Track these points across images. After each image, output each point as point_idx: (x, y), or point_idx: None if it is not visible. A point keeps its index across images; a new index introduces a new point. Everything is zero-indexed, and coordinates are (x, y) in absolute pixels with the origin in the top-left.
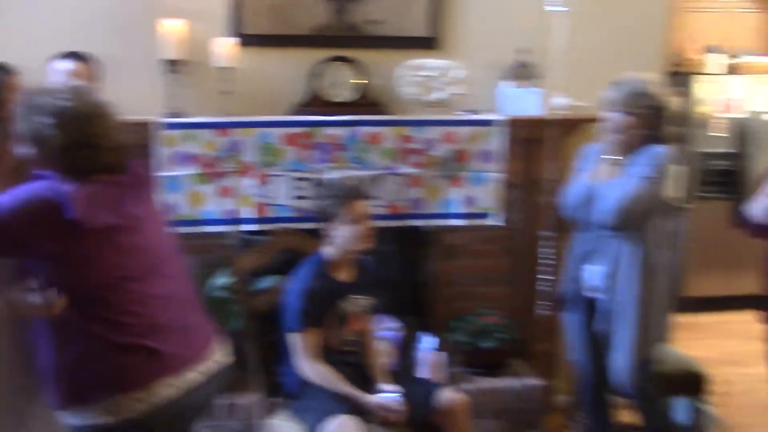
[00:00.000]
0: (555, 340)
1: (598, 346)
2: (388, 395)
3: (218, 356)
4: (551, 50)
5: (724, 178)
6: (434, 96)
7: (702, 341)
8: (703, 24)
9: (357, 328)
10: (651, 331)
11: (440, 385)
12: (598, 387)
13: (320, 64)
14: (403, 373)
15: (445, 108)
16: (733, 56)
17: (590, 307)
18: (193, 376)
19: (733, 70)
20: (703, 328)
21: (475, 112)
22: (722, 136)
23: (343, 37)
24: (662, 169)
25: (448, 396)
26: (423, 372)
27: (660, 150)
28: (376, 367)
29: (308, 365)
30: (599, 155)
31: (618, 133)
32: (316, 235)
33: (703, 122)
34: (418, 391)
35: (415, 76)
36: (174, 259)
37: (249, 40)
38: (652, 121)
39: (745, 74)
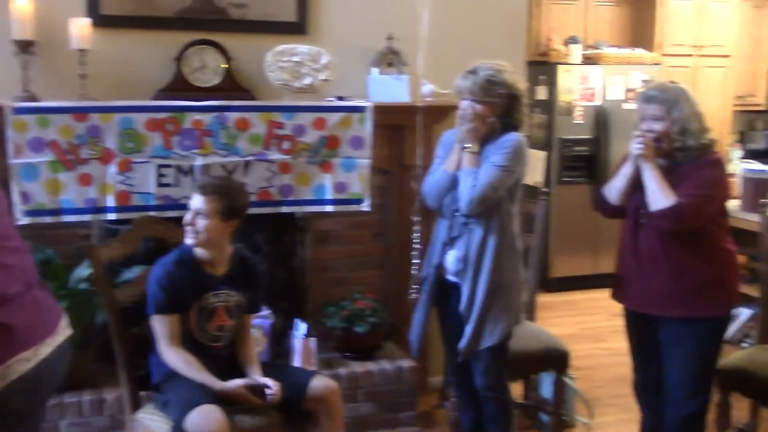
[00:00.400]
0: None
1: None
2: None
3: (66, 329)
4: (419, 38)
5: (586, 163)
6: (303, 82)
7: (567, 318)
8: (566, 16)
9: (224, 323)
10: (504, 313)
11: (312, 372)
12: (465, 374)
13: (185, 48)
14: (275, 362)
15: (315, 94)
16: (592, 47)
17: (453, 291)
18: (47, 350)
19: (591, 60)
20: (568, 306)
21: (344, 98)
22: (583, 123)
23: (209, 21)
24: (517, 156)
25: (319, 383)
26: (296, 359)
27: (514, 137)
28: (247, 358)
29: (166, 350)
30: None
31: (471, 122)
32: (182, 224)
33: (566, 110)
34: (289, 379)
35: (284, 61)
36: (15, 234)
37: (108, 21)
38: (506, 108)
39: (602, 64)
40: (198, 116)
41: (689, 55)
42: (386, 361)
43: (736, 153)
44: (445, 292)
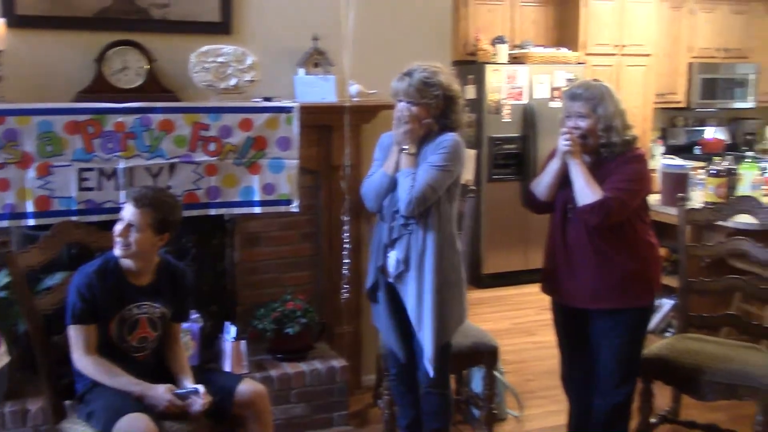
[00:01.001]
0: (358, 321)
1: (406, 331)
2: (185, 389)
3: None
4: (345, 38)
5: (515, 161)
6: (229, 83)
7: (498, 314)
8: (492, 16)
9: (147, 335)
10: (452, 312)
11: (240, 376)
12: (409, 372)
13: (106, 49)
14: (203, 366)
15: (241, 95)
16: (518, 47)
17: (396, 293)
18: None
19: (518, 59)
20: (500, 302)
21: (270, 99)
22: (511, 122)
23: (130, 21)
24: (455, 155)
25: (247, 387)
26: (226, 363)
27: (451, 137)
28: (177, 366)
29: (81, 359)
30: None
31: (407, 123)
32: (105, 228)
33: (494, 108)
34: (217, 384)
35: (208, 62)
36: None
37: (24, 22)
38: (442, 109)
39: (529, 63)
40: (120, 118)
41: (612, 54)
42: (318, 362)
43: (659, 149)
44: (390, 294)
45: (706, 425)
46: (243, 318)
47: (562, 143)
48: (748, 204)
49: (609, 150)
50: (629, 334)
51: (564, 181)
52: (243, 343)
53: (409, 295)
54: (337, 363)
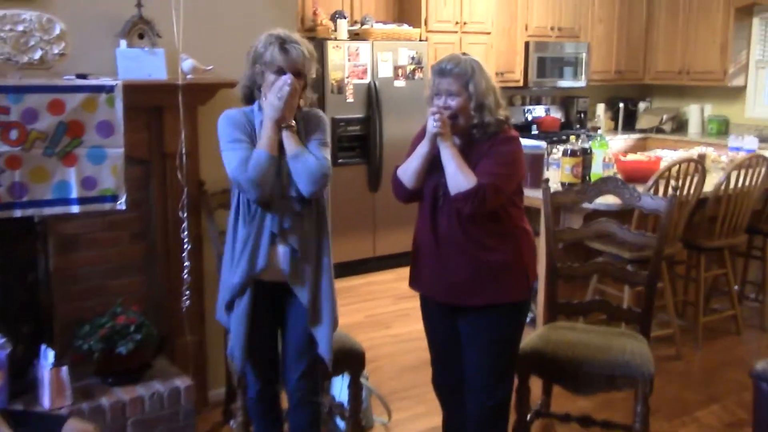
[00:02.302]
0: (202, 329)
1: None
2: None
3: None
4: (175, 5)
5: (359, 143)
6: (32, 56)
7: (350, 306)
8: None
9: None
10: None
11: (62, 417)
12: (271, 387)
13: None
14: (12, 409)
15: (48, 71)
16: (359, 22)
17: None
18: None
19: (359, 36)
20: (350, 293)
21: (86, 76)
22: (354, 102)
23: None
24: (328, 132)
25: (73, 428)
26: (45, 395)
27: (321, 113)
28: None
29: None
30: (260, 122)
31: (292, 97)
32: None
33: (337, 88)
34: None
35: (5, 30)
36: None
37: None
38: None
39: (370, 40)
40: None
41: (453, 32)
42: (158, 382)
43: None
44: (273, 296)
45: (581, 417)
46: (63, 338)
47: (432, 124)
48: (613, 185)
49: (482, 131)
50: (505, 330)
51: (433, 165)
52: (64, 370)
53: (304, 290)
54: (181, 382)
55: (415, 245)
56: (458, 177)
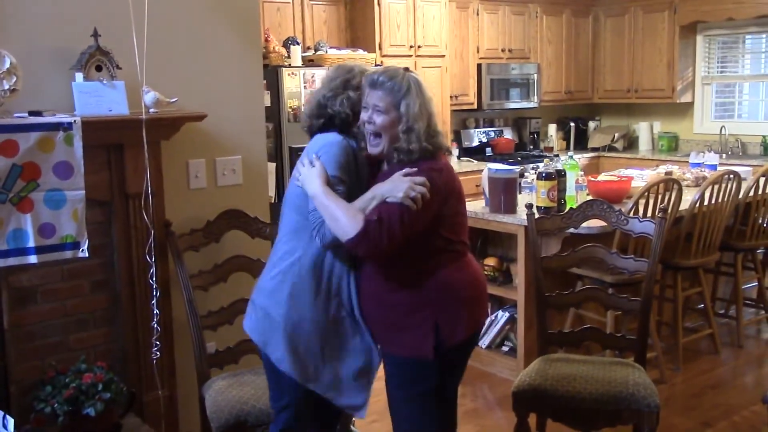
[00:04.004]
0: (173, 382)
1: None
2: None
3: None
4: (135, 34)
5: None
6: None
7: None
8: (281, 16)
9: None
10: None
11: None
12: None
13: None
14: None
15: None
16: (312, 48)
17: None
18: None
19: (314, 62)
20: None
21: (40, 113)
22: None
23: None
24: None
25: None
26: None
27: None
28: None
29: None
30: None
31: None
32: None
33: (293, 116)
34: None
35: None
36: None
37: None
38: None
39: (325, 66)
40: None
41: (408, 56)
42: None
43: (454, 152)
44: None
45: None
46: (21, 401)
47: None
48: (599, 208)
49: (404, 155)
50: (404, 385)
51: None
52: None
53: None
54: None
55: None
56: (341, 221)
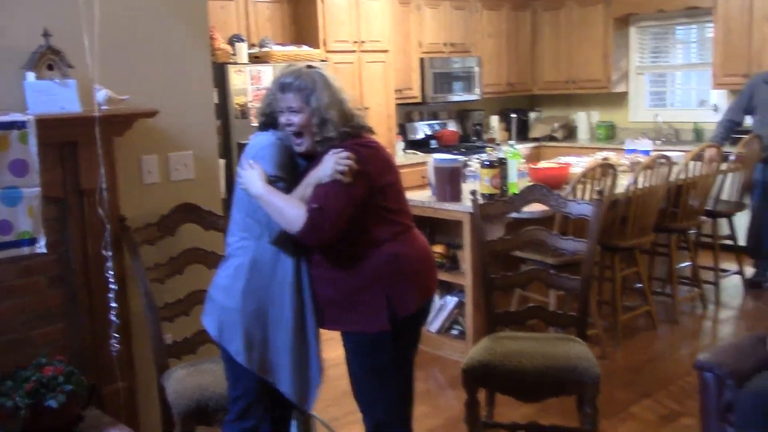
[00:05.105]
0: (133, 374)
1: None
2: None
3: None
4: (87, 33)
5: None
6: None
7: None
8: (225, 13)
9: None
10: None
11: None
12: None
13: None
14: None
15: None
16: (258, 45)
17: None
18: None
19: (260, 59)
20: None
21: None
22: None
23: None
24: None
25: None
26: None
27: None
28: None
29: None
30: None
31: None
32: None
33: (241, 113)
34: None
35: None
36: None
37: None
38: None
39: (271, 63)
40: None
41: (352, 51)
42: None
43: (400, 144)
44: None
45: (529, 424)
46: None
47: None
48: (539, 193)
49: (325, 146)
50: (364, 360)
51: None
52: None
53: None
54: (118, 431)
55: None
56: (287, 215)
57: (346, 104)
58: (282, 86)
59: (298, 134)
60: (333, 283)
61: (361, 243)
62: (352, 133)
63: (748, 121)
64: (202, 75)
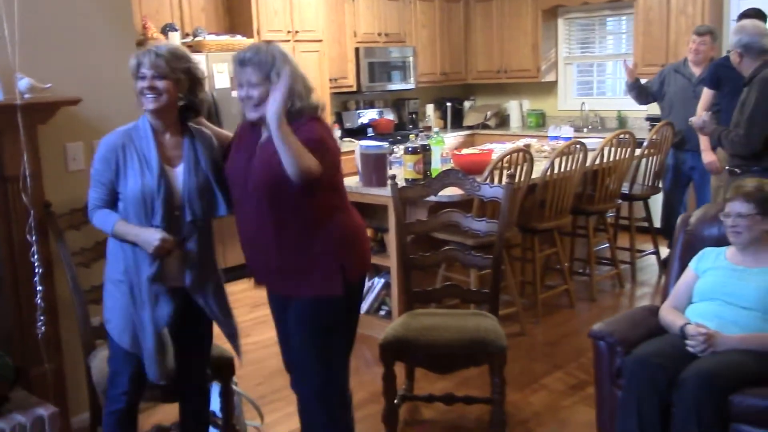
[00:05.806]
0: (60, 356)
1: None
2: None
3: None
4: (7, 21)
5: None
6: None
7: None
8: (159, 2)
9: None
10: None
11: None
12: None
13: None
14: None
15: None
16: (191, 34)
17: None
18: None
19: (193, 48)
20: None
21: None
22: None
23: None
24: None
25: None
26: None
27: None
28: None
29: None
30: None
31: None
32: None
33: None
34: None
35: None
36: None
37: None
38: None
39: (205, 52)
40: None
41: (286, 41)
42: (19, 414)
43: (337, 133)
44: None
45: (445, 396)
46: None
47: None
48: (454, 177)
49: (296, 116)
50: (316, 323)
51: (242, 147)
52: None
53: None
54: (45, 410)
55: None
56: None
57: (307, 79)
58: (241, 60)
59: (258, 105)
60: (291, 250)
61: (318, 211)
62: (314, 107)
63: (656, 108)
64: (125, 62)
